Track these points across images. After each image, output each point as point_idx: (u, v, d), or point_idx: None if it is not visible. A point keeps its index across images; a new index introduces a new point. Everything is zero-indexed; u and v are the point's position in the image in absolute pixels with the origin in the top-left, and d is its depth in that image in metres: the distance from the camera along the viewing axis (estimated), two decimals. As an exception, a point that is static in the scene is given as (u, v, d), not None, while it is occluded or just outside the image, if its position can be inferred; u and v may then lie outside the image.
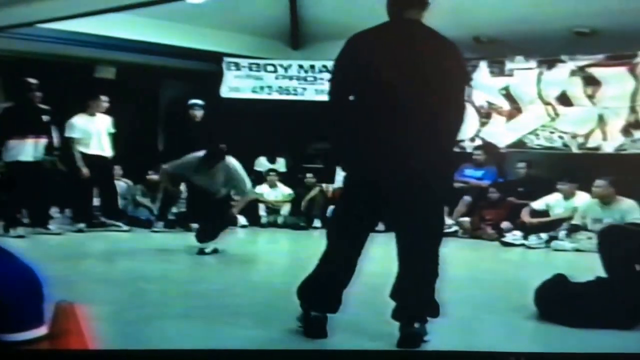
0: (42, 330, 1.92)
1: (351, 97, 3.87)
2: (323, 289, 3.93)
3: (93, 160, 9.42)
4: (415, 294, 3.87)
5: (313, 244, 8.06)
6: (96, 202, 9.74)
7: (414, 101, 3.70)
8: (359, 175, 3.87)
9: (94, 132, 9.48)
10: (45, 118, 8.87)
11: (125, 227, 9.66)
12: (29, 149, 8.68)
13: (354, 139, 3.83)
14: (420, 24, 3.89)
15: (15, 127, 8.62)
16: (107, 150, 9.60)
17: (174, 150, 9.49)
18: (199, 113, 9.88)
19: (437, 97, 3.72)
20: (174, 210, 10.17)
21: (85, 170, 9.32)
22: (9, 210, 8.71)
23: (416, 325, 3.85)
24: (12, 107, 8.84)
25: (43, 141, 8.81)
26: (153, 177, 10.58)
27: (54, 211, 9.98)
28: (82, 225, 9.27)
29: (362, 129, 3.79)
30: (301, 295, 4.00)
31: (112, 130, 9.66)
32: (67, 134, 9.31)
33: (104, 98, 9.67)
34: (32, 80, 8.74)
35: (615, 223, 7.65)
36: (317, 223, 10.71)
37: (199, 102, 9.97)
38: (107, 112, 9.67)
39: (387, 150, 3.72)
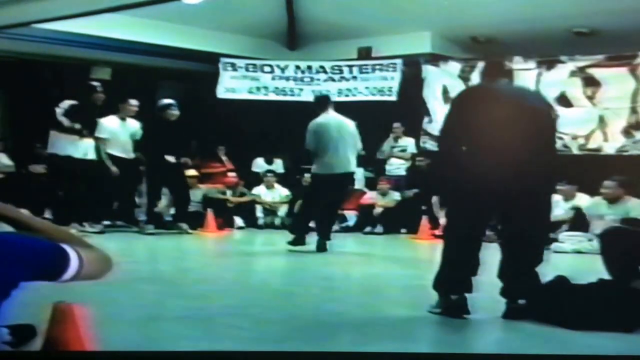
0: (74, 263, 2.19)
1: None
2: (458, 277, 4.61)
3: (117, 162, 9.47)
4: (517, 276, 4.63)
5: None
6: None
7: (514, 145, 4.41)
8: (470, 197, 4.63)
9: (121, 135, 9.55)
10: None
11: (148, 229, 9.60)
12: (82, 147, 8.95)
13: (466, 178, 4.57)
14: (512, 84, 4.95)
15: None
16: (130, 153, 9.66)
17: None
18: (175, 112, 9.68)
19: (533, 141, 4.47)
20: (171, 211, 10.12)
21: (114, 169, 9.36)
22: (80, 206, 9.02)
23: (520, 302, 4.52)
24: (77, 105, 8.95)
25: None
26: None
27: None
28: (101, 227, 9.26)
29: (473, 170, 4.51)
30: (439, 285, 4.60)
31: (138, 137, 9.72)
32: (97, 134, 9.37)
33: (133, 102, 9.69)
34: (96, 83, 9.05)
35: (616, 224, 7.60)
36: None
37: (172, 102, 9.76)
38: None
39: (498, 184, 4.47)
